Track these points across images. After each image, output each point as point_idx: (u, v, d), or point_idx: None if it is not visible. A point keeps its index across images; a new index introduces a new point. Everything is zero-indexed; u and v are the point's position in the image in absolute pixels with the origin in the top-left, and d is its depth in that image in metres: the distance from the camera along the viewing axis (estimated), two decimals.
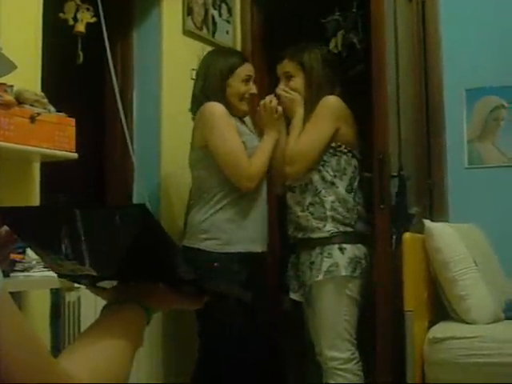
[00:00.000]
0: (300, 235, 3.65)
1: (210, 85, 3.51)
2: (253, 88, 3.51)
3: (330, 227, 3.55)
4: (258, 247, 3.52)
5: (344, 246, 3.55)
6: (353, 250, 3.57)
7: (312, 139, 3.50)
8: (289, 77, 3.58)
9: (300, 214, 3.61)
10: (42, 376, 0.83)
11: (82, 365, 0.96)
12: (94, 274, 1.17)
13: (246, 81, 3.49)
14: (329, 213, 3.55)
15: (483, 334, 3.35)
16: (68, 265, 1.16)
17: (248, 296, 1.47)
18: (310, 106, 3.53)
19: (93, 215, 1.10)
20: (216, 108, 3.40)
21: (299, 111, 3.57)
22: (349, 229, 3.60)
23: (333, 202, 3.57)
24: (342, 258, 3.51)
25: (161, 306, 1.23)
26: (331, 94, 3.62)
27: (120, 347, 1.05)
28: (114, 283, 1.23)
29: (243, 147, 3.43)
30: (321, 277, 3.48)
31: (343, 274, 3.49)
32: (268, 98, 3.52)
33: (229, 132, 3.39)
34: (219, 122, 3.39)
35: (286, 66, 3.60)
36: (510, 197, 4.34)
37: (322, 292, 3.54)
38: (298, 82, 3.56)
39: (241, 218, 3.49)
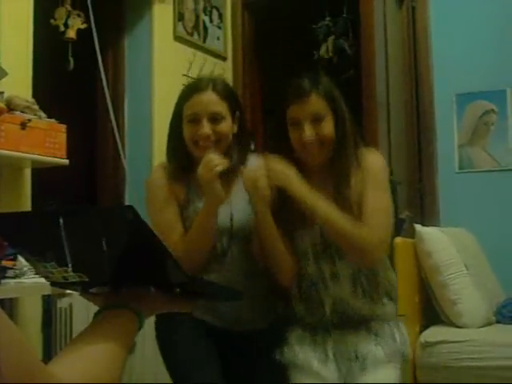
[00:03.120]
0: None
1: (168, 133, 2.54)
2: (201, 129, 2.31)
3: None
4: (224, 323, 2.44)
5: None
6: None
7: (385, 220, 2.28)
8: (318, 119, 2.26)
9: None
10: (30, 380, 0.84)
11: (73, 370, 0.96)
12: (86, 279, 1.17)
13: (192, 121, 2.34)
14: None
15: (474, 338, 3.36)
16: (59, 272, 1.16)
17: (239, 297, 1.47)
18: (342, 160, 2.30)
19: (81, 219, 1.10)
20: (151, 177, 2.53)
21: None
22: None
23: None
24: None
25: (153, 310, 1.23)
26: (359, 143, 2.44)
27: (111, 352, 1.05)
28: (107, 289, 1.23)
29: (171, 225, 2.39)
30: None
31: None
32: (208, 157, 2.23)
33: (159, 211, 2.43)
34: (149, 196, 2.47)
35: (315, 104, 2.26)
36: (501, 201, 4.36)
37: None
38: (330, 126, 2.27)
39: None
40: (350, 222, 2.13)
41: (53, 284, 1.25)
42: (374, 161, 2.31)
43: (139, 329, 1.16)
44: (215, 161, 2.19)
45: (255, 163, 2.37)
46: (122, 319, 1.13)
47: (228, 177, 2.34)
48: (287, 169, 2.19)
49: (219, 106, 2.32)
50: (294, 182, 2.17)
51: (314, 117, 2.24)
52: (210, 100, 2.32)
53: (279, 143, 2.32)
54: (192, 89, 2.40)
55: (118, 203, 4.14)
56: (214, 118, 2.31)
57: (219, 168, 2.18)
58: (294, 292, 2.32)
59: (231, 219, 2.33)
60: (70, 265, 1.14)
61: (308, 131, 2.22)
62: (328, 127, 2.24)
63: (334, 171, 2.27)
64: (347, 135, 2.27)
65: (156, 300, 1.21)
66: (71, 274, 1.15)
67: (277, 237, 2.24)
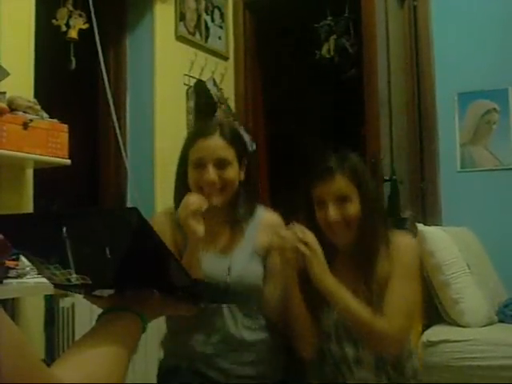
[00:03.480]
0: None
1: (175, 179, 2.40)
2: (207, 174, 2.19)
3: None
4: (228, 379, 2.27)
5: None
6: None
7: (407, 308, 2.12)
8: (343, 199, 2.15)
9: None
10: (30, 381, 0.84)
11: (76, 372, 0.96)
12: (89, 282, 1.17)
13: (197, 166, 2.22)
14: None
15: (477, 337, 3.36)
16: (63, 274, 1.16)
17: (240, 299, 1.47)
18: (369, 241, 2.17)
19: (84, 221, 1.10)
20: (152, 221, 2.28)
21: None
22: None
23: None
24: None
25: (156, 313, 1.24)
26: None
27: (114, 355, 1.05)
28: (110, 292, 1.23)
29: None
30: None
31: None
32: (186, 197, 2.13)
33: None
34: None
35: (340, 184, 2.15)
36: (503, 200, 4.35)
37: None
38: (356, 206, 2.16)
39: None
40: (368, 312, 2.02)
41: (56, 286, 1.25)
42: (403, 245, 2.17)
43: (142, 331, 1.16)
44: (191, 200, 2.09)
45: (265, 216, 2.33)
46: (125, 322, 1.13)
47: (233, 228, 2.28)
48: (313, 245, 2.07)
49: (226, 151, 2.21)
50: (315, 263, 2.06)
51: (339, 197, 2.14)
52: (217, 145, 2.22)
53: (306, 222, 2.16)
54: (198, 133, 2.29)
55: (120, 203, 4.14)
56: (221, 164, 2.20)
57: (193, 206, 2.07)
58: (314, 367, 2.21)
59: (229, 271, 2.18)
60: (73, 267, 1.14)
61: (332, 212, 2.13)
62: (354, 207, 2.13)
63: (360, 252, 2.16)
64: (374, 215, 2.16)
65: (159, 303, 1.21)
66: (74, 276, 1.15)
67: (303, 305, 2.13)
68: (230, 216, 2.28)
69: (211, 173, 2.18)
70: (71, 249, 1.10)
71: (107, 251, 1.09)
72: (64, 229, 1.08)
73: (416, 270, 2.15)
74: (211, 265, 2.18)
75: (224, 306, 2.10)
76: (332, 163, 2.16)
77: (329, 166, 2.15)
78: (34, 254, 1.18)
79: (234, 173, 2.22)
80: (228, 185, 2.21)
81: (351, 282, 2.09)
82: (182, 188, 2.26)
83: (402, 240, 2.18)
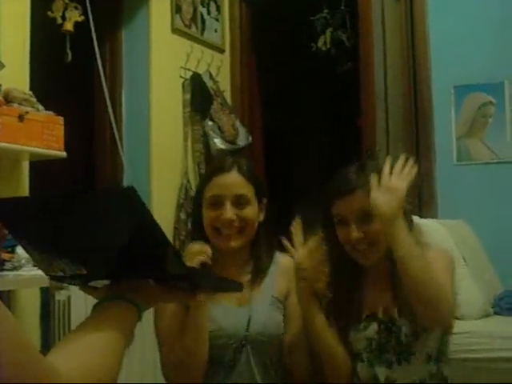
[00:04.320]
0: None
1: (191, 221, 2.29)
2: (224, 213, 2.01)
3: None
4: None
5: None
6: None
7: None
8: (365, 217, 1.93)
9: None
10: (28, 371, 0.84)
11: (71, 360, 0.97)
12: (84, 272, 1.17)
13: (213, 204, 2.04)
14: None
15: (472, 330, 3.36)
16: (58, 264, 1.16)
17: (239, 288, 1.47)
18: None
19: (81, 201, 1.08)
20: None
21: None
22: None
23: None
24: None
25: (152, 302, 1.24)
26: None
27: (110, 343, 1.05)
28: (106, 283, 1.22)
29: (170, 332, 1.97)
30: None
31: None
32: (189, 246, 2.00)
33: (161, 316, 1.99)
34: None
35: (361, 201, 1.92)
36: (499, 193, 4.36)
37: None
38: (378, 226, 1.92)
39: None
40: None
41: (52, 278, 1.25)
42: (435, 260, 1.93)
43: (138, 320, 1.16)
44: (194, 249, 1.91)
45: (283, 260, 2.11)
46: (119, 311, 1.13)
47: (253, 278, 2.07)
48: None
49: (245, 188, 2.05)
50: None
51: (361, 215, 1.92)
52: (235, 181, 2.05)
53: (328, 243, 1.99)
54: (215, 169, 2.12)
55: None
56: (239, 202, 2.02)
57: (201, 258, 1.87)
58: None
59: (248, 323, 1.99)
60: (69, 255, 1.13)
61: (354, 232, 1.93)
62: (378, 225, 1.89)
63: (389, 271, 1.98)
64: None
65: (154, 292, 1.21)
66: (70, 266, 1.15)
67: (328, 331, 1.95)
68: (250, 262, 2.10)
69: (229, 211, 2.00)
70: (67, 234, 1.10)
71: (103, 234, 1.08)
72: (60, 211, 1.07)
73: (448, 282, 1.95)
74: (228, 317, 2.00)
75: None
76: (351, 178, 1.95)
77: (348, 182, 1.95)
78: (30, 241, 1.17)
79: (253, 212, 2.05)
80: (248, 225, 2.03)
81: (382, 302, 1.97)
82: (195, 231, 2.11)
83: (433, 254, 1.98)
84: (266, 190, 2.17)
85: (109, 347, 1.05)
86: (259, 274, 2.08)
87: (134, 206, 1.04)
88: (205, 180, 2.14)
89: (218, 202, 2.02)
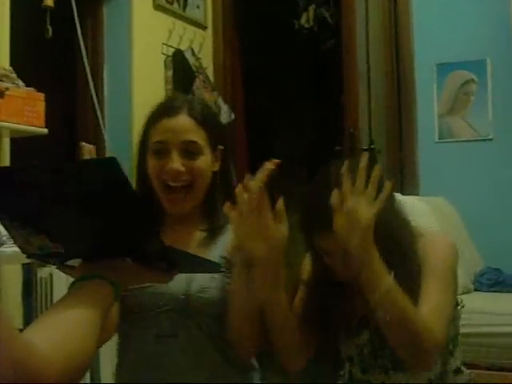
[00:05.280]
0: None
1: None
2: (170, 163, 1.73)
3: None
4: None
5: None
6: None
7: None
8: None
9: None
10: (6, 348, 0.85)
11: (48, 336, 0.97)
12: (62, 250, 1.16)
13: (158, 152, 1.77)
14: None
15: None
16: (36, 240, 1.15)
17: (218, 268, 1.45)
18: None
19: (61, 173, 1.06)
20: None
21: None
22: None
23: None
24: None
25: (128, 281, 1.23)
26: None
27: (85, 319, 1.06)
28: (83, 261, 1.21)
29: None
30: None
31: None
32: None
33: None
34: None
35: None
36: (480, 170, 4.38)
37: None
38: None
39: None
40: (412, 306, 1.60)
41: (29, 256, 1.23)
42: (433, 255, 1.74)
43: (116, 299, 1.16)
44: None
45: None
46: (96, 289, 1.13)
47: (207, 237, 1.79)
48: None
49: (196, 134, 1.76)
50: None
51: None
52: (184, 126, 1.76)
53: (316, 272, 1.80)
54: (161, 110, 1.82)
55: None
56: (189, 151, 1.74)
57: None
58: None
59: (190, 285, 1.70)
60: (46, 231, 1.12)
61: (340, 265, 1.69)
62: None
63: None
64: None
65: (132, 271, 1.20)
66: (47, 243, 1.14)
67: (293, 324, 1.72)
68: (203, 218, 1.81)
69: (175, 161, 1.72)
70: (45, 207, 1.08)
71: (82, 207, 1.07)
72: (38, 183, 1.05)
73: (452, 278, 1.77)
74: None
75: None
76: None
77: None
78: (7, 215, 1.15)
79: (206, 162, 1.76)
80: (199, 178, 1.75)
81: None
82: (142, 180, 1.84)
83: (442, 239, 1.83)
84: (225, 137, 1.89)
85: (85, 322, 1.05)
86: (213, 232, 1.78)
87: (115, 176, 1.02)
88: (149, 122, 1.84)
89: (163, 150, 1.75)
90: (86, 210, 1.07)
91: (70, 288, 1.13)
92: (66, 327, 1.02)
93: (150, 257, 1.19)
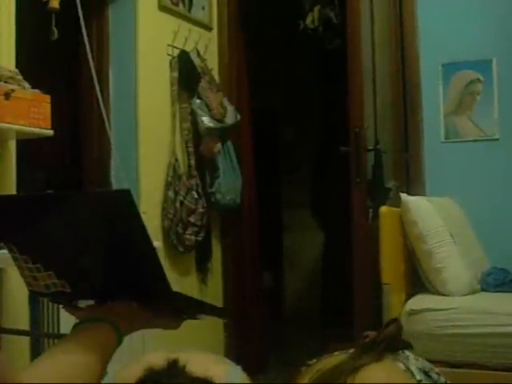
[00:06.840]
0: None
1: None
2: None
3: None
4: None
5: None
6: None
7: None
8: None
9: None
10: None
11: (45, 381, 0.96)
12: (68, 290, 1.13)
13: None
14: None
15: (459, 306, 3.39)
16: (43, 277, 1.13)
17: (225, 314, 1.42)
18: None
19: (69, 205, 1.02)
20: None
21: None
22: None
23: None
24: None
25: (134, 326, 1.20)
26: None
27: (85, 365, 1.04)
28: (89, 303, 1.19)
29: None
30: None
31: None
32: None
33: None
34: None
35: None
36: (486, 170, 4.37)
37: None
38: None
39: None
40: None
41: (35, 293, 1.21)
42: None
43: (119, 344, 1.14)
44: None
45: None
46: (99, 332, 1.11)
47: None
48: None
49: None
50: None
51: None
52: None
53: None
54: None
55: (104, 172, 4.13)
56: None
57: None
58: None
59: None
60: (53, 266, 1.09)
61: None
62: None
63: None
64: None
65: (138, 316, 1.18)
66: (55, 281, 1.12)
67: None
68: None
69: None
70: (53, 239, 1.05)
71: (92, 240, 1.04)
72: (48, 213, 1.02)
73: None
74: None
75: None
76: None
77: None
78: (16, 246, 1.11)
79: None
80: None
81: None
82: None
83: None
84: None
85: (84, 368, 1.03)
86: None
87: (127, 210, 0.99)
88: None
89: None
90: (96, 243, 1.04)
91: (73, 329, 1.12)
92: (66, 372, 1.00)
93: (158, 301, 1.16)
